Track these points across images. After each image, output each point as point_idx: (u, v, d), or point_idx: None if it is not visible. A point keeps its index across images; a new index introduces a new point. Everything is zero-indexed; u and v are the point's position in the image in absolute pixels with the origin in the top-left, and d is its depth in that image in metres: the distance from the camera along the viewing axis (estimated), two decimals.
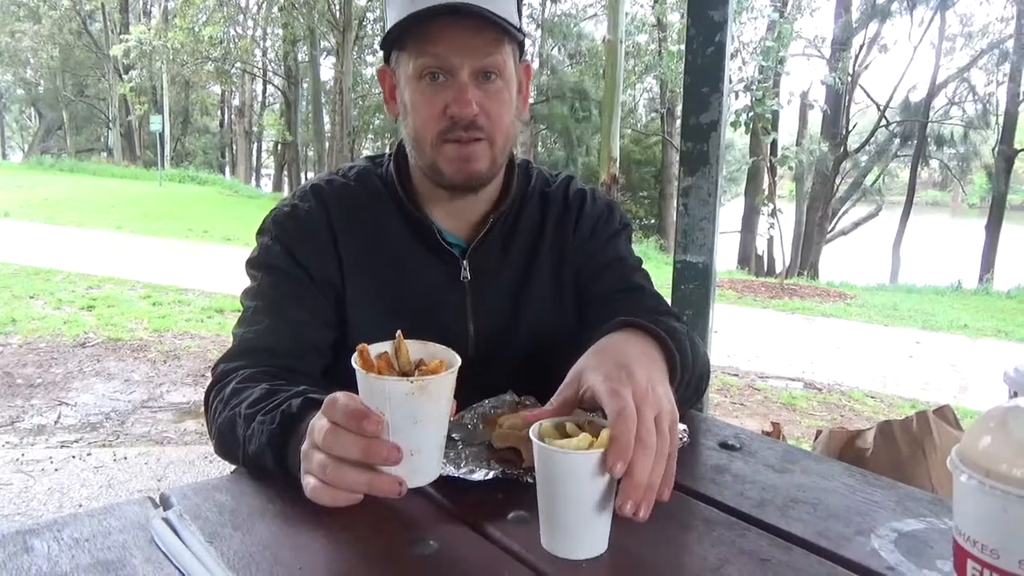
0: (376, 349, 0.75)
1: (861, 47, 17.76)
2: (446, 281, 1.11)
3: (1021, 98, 16.74)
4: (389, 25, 1.03)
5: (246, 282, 1.11)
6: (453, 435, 0.90)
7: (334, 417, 0.71)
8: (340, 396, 0.72)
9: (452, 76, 1.00)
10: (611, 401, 0.71)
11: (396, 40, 1.03)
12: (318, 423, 0.74)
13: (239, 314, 1.09)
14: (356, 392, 0.73)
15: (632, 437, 0.69)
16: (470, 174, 1.05)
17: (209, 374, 1.05)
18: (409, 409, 0.70)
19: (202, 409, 1.04)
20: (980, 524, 0.52)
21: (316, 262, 1.08)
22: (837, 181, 18.28)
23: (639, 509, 0.68)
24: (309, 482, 0.73)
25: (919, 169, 19.39)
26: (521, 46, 1.08)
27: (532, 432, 0.71)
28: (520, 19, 1.06)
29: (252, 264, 1.11)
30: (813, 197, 17.72)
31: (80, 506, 2.92)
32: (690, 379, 0.95)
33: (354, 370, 0.73)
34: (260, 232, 1.12)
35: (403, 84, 1.05)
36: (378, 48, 1.12)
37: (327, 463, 0.71)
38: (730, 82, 2.29)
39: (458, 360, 0.74)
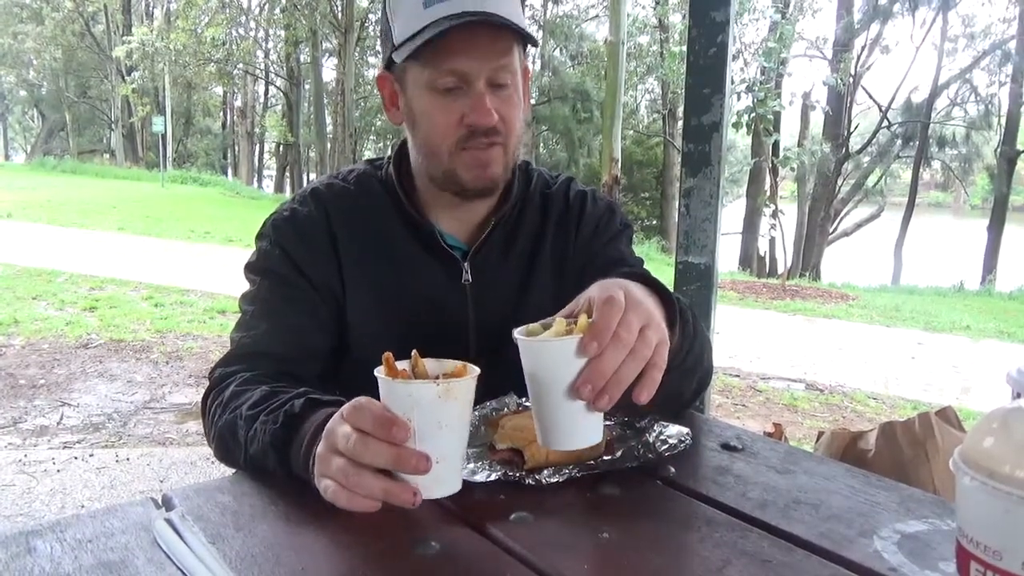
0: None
1: (863, 48, 17.74)
2: (447, 284, 1.11)
3: (1023, 99, 16.70)
4: (396, 32, 1.01)
5: (246, 285, 1.11)
6: None
7: (361, 424, 0.70)
8: (364, 401, 0.72)
9: (468, 85, 0.99)
10: (602, 296, 0.73)
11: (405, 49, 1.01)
12: (341, 429, 0.72)
13: (237, 318, 1.09)
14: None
15: (613, 324, 0.71)
16: (488, 179, 1.05)
17: (206, 379, 1.05)
18: (436, 414, 0.70)
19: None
20: (983, 526, 0.52)
21: (315, 267, 1.07)
22: (839, 182, 18.25)
23: (600, 398, 0.70)
24: (328, 485, 0.73)
25: (921, 170, 19.37)
26: (526, 46, 1.08)
27: (518, 331, 0.74)
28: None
29: (251, 269, 1.11)
30: (815, 198, 17.69)
31: (82, 507, 2.93)
32: (689, 349, 0.92)
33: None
34: (259, 236, 1.12)
35: (413, 93, 1.04)
36: (379, 50, 1.11)
37: (348, 469, 0.71)
38: (732, 83, 2.29)
39: (477, 369, 0.75)
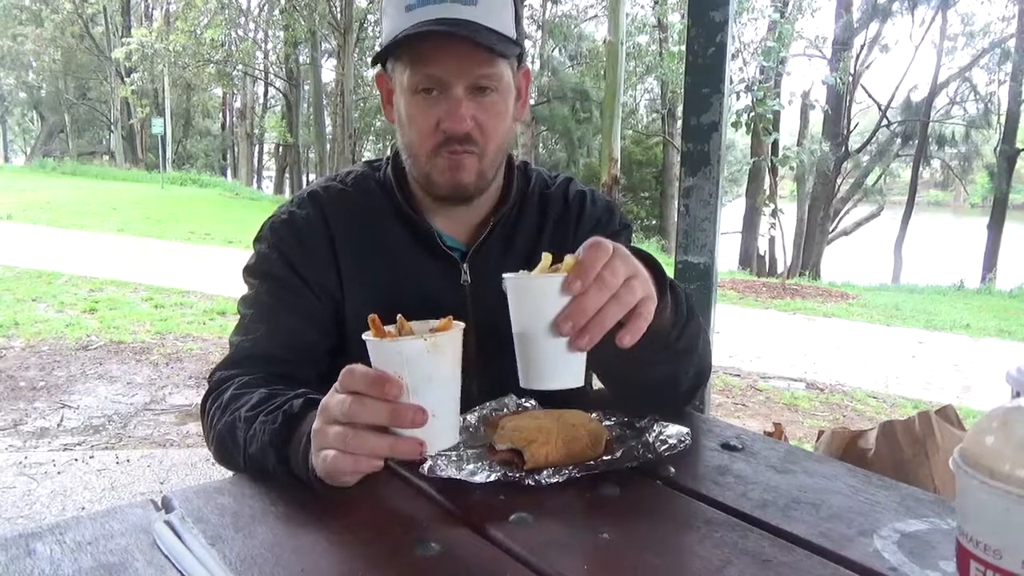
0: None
1: (862, 47, 17.74)
2: (446, 285, 1.11)
3: (1023, 97, 16.71)
4: (384, 32, 1.03)
5: (244, 289, 1.11)
6: None
7: (354, 386, 0.72)
8: (354, 366, 0.73)
9: (446, 91, 1.00)
10: (590, 241, 0.76)
11: (392, 50, 1.02)
12: (333, 398, 0.73)
13: (236, 321, 1.09)
14: None
15: (598, 265, 0.73)
16: (456, 184, 1.05)
17: (206, 382, 1.05)
18: (426, 368, 0.72)
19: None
20: (983, 525, 0.52)
21: (313, 270, 1.08)
22: (838, 181, 18.26)
23: (580, 336, 0.72)
24: (328, 454, 0.73)
25: (921, 169, 19.37)
26: (520, 55, 1.08)
27: (507, 274, 0.77)
28: (519, 25, 1.06)
29: (249, 272, 1.11)
30: (814, 197, 17.70)
31: (83, 509, 2.93)
32: (684, 326, 0.93)
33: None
34: (257, 239, 1.12)
35: (398, 94, 1.05)
36: (377, 49, 1.12)
37: (346, 432, 0.72)
38: (731, 82, 2.29)
39: (462, 324, 0.76)
